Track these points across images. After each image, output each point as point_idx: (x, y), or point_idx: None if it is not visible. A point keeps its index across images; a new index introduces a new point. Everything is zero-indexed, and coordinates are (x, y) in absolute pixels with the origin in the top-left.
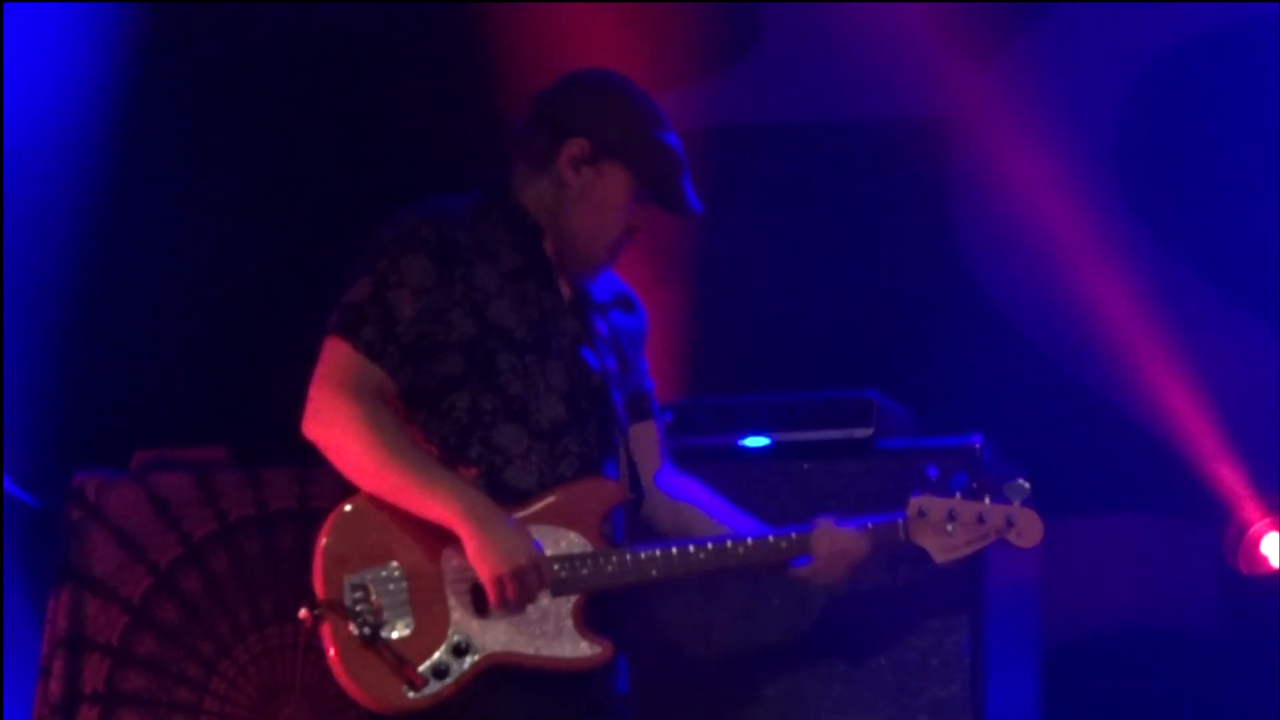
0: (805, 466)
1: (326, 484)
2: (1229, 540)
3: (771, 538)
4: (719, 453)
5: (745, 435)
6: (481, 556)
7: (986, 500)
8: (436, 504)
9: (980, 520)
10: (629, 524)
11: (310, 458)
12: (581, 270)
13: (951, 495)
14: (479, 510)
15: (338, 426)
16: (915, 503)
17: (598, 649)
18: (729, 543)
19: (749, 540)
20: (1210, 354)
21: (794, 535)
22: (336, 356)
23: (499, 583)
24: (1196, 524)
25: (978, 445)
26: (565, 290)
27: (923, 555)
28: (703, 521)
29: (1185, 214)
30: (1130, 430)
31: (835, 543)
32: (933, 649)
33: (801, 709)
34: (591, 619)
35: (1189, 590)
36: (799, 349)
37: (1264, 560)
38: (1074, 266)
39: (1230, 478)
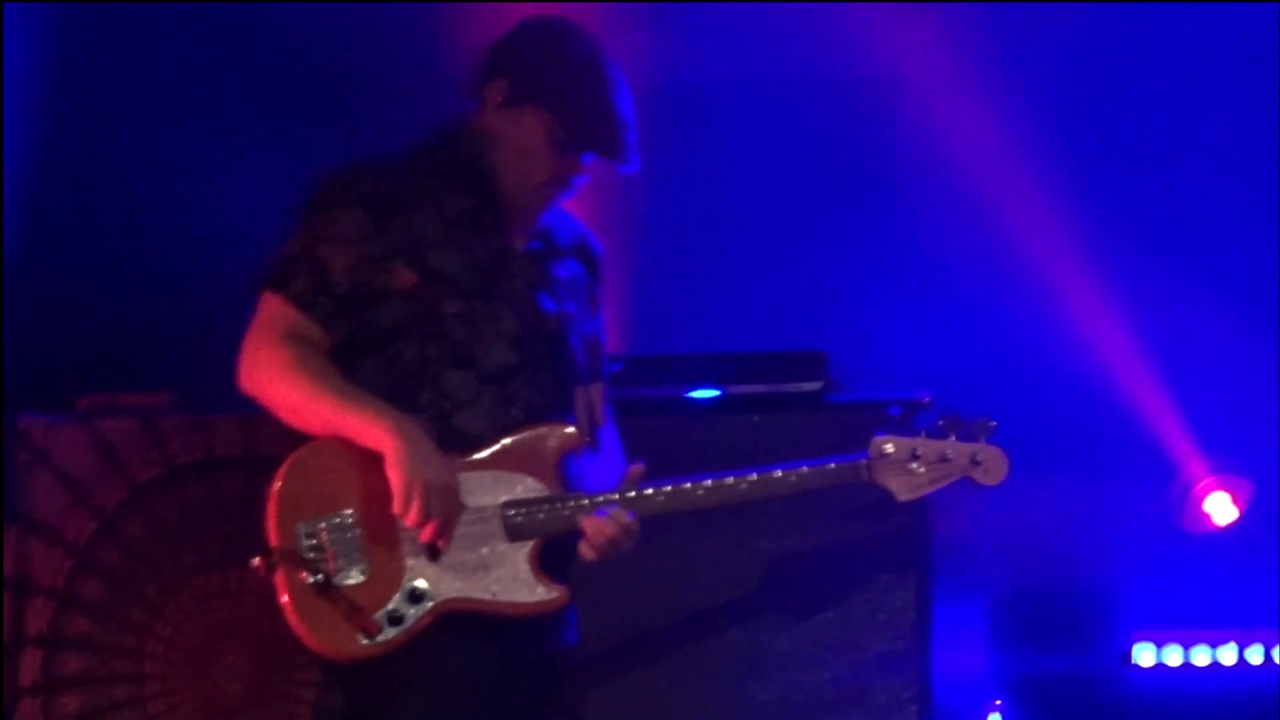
0: (755, 419)
1: (273, 430)
2: (1174, 498)
3: (689, 484)
4: (668, 405)
5: (694, 387)
6: (394, 466)
7: (952, 438)
8: (364, 422)
9: (944, 458)
10: (586, 469)
11: (257, 408)
12: (518, 214)
13: (916, 434)
14: (403, 427)
15: (267, 373)
16: (878, 441)
17: (554, 594)
18: (688, 485)
19: (707, 483)
20: (1156, 312)
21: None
22: (268, 310)
23: (406, 494)
24: (1141, 482)
25: (927, 400)
26: (519, 234)
27: (874, 502)
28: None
29: (1131, 172)
30: (1076, 390)
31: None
32: (879, 602)
33: (748, 662)
34: (547, 564)
35: (1132, 547)
36: (748, 305)
37: (1208, 518)
38: (1021, 223)
39: (1175, 437)
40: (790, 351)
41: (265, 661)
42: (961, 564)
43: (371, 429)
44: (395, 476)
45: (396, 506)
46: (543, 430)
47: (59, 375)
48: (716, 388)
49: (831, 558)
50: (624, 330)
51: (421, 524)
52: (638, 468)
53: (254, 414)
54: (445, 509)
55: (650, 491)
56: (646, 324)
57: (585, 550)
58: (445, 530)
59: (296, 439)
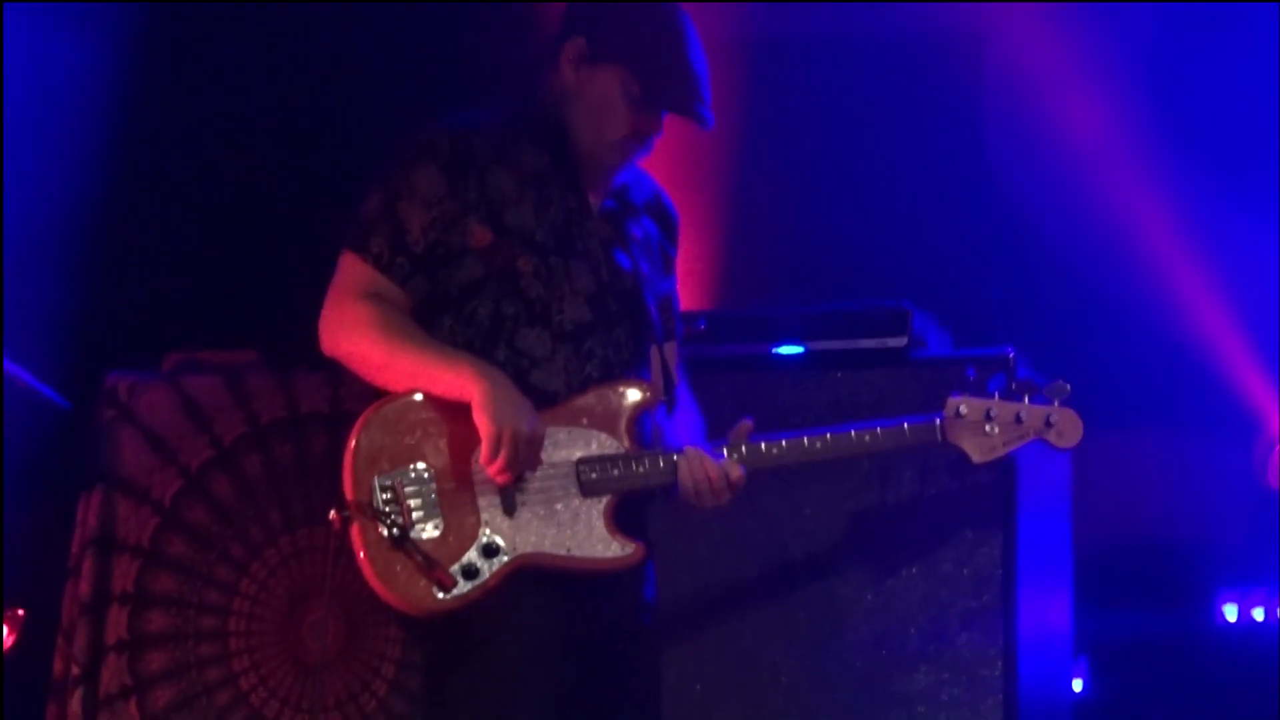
0: (839, 375)
1: (358, 388)
2: (1258, 455)
3: (764, 445)
4: (752, 362)
5: (779, 344)
6: (482, 412)
7: (1025, 400)
8: (451, 372)
9: (1018, 420)
10: (663, 428)
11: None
12: (595, 172)
13: (990, 396)
14: (492, 375)
15: (348, 331)
16: (953, 403)
17: (629, 550)
18: (763, 445)
19: (781, 444)
20: (1243, 269)
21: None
22: (348, 270)
23: (495, 440)
24: (1226, 439)
25: (1011, 356)
26: (596, 192)
27: (959, 459)
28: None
29: (1222, 126)
30: (1162, 345)
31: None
32: (965, 560)
33: (831, 619)
34: (622, 521)
35: (1218, 504)
36: (833, 261)
37: None
38: (1106, 179)
39: (1261, 393)
40: (874, 307)
41: (352, 619)
42: (1047, 522)
43: (459, 378)
44: (484, 423)
45: (484, 454)
46: (618, 388)
47: (145, 333)
48: (800, 344)
49: (917, 514)
50: (708, 288)
51: (506, 473)
52: (745, 424)
53: (339, 371)
54: (531, 459)
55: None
56: (731, 281)
57: (685, 488)
58: (527, 481)
59: (379, 394)
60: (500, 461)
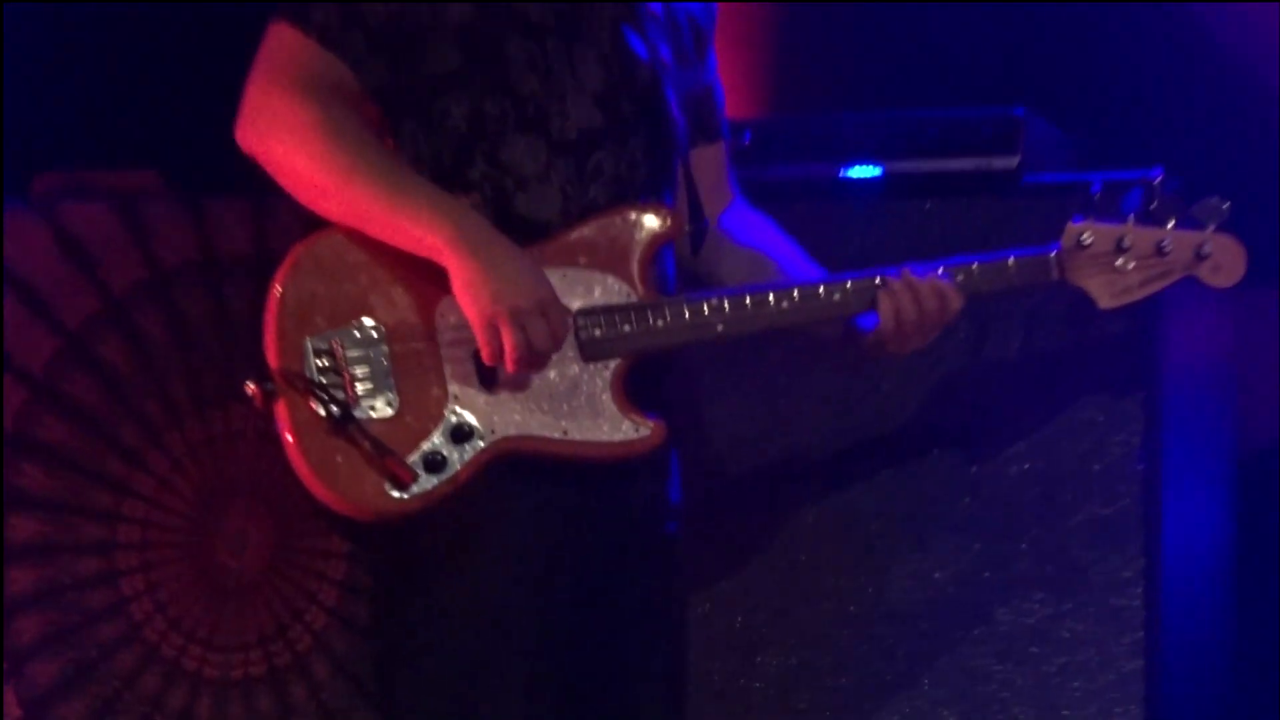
0: (927, 207)
1: (293, 220)
2: None
3: (869, 279)
4: (813, 188)
5: (849, 165)
6: (471, 291)
7: (1170, 226)
8: (416, 224)
9: (1160, 251)
10: (686, 269)
11: (272, 185)
12: None
13: (1123, 220)
14: (473, 231)
15: (281, 132)
16: (1074, 229)
17: (646, 430)
18: (821, 287)
19: (848, 283)
20: None
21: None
22: (283, 44)
23: (491, 328)
24: None
25: (1157, 181)
26: None
27: (1083, 303)
28: (775, 272)
29: None
30: None
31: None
32: (1093, 450)
33: (913, 531)
34: (636, 393)
35: None
36: (919, 58)
37: None
38: None
39: None
40: (976, 116)
41: (280, 528)
42: (1204, 400)
43: (427, 235)
44: (470, 305)
45: (484, 352)
46: (629, 215)
47: (7, 148)
48: (877, 164)
49: (1025, 387)
50: (755, 91)
51: (521, 366)
52: None
53: (270, 198)
54: (555, 334)
55: (773, 298)
56: (785, 82)
57: (885, 326)
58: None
59: (316, 225)
60: (510, 357)
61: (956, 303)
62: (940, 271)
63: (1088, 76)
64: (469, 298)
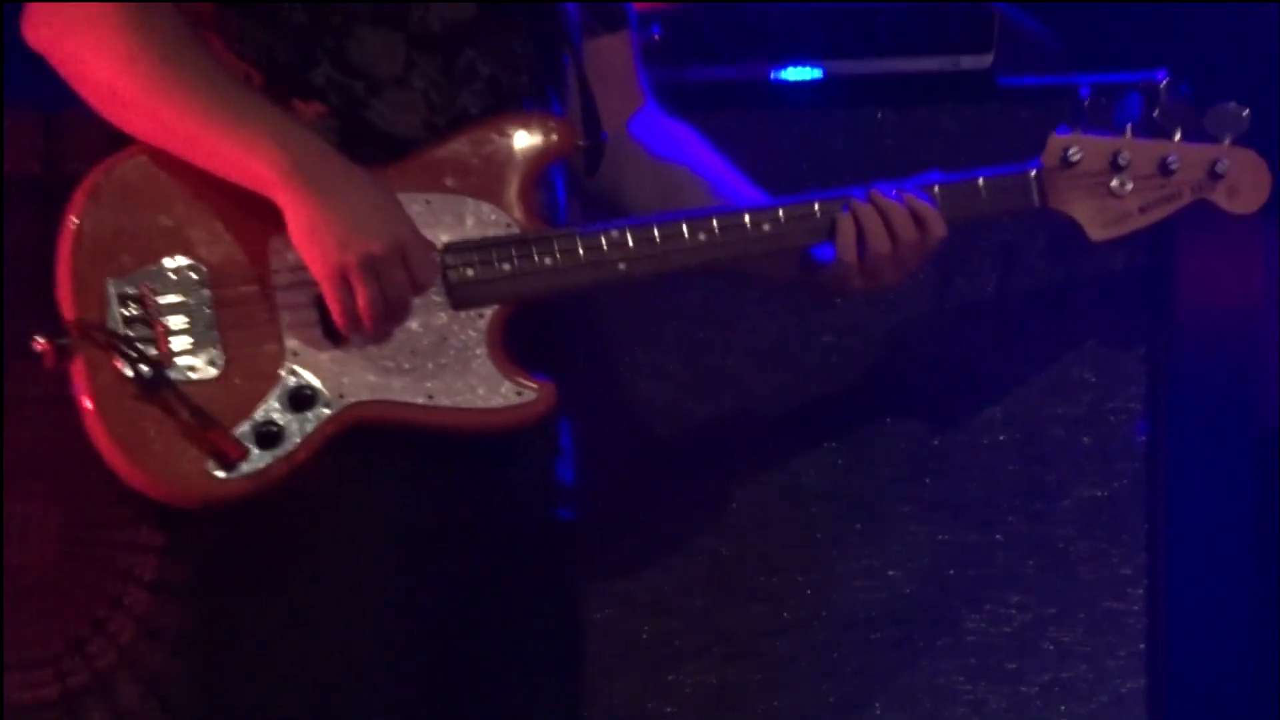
0: (879, 116)
1: (92, 136)
2: None
3: (818, 204)
4: (737, 93)
5: (782, 65)
6: (312, 237)
7: (1176, 138)
8: (239, 148)
9: (1165, 169)
10: (581, 192)
11: (67, 93)
12: None
13: (1118, 132)
14: (311, 160)
15: (76, 23)
16: (1058, 142)
17: (531, 394)
18: (747, 215)
19: (780, 210)
20: None
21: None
22: None
23: (340, 282)
24: None
25: (1161, 84)
26: None
27: (1070, 234)
28: (700, 193)
29: None
30: None
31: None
32: (1085, 421)
33: (860, 516)
34: (519, 348)
35: None
36: None
37: None
38: None
39: None
40: (938, 6)
41: (74, 516)
42: (1217, 349)
43: (255, 164)
44: (312, 255)
45: (335, 313)
46: (506, 128)
47: None
48: (816, 64)
49: (1000, 337)
50: None
51: (379, 326)
52: None
53: (63, 107)
54: (420, 279)
55: (687, 227)
56: None
57: (845, 258)
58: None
59: (119, 144)
60: (367, 316)
61: (939, 228)
62: (913, 190)
63: None
64: (310, 245)
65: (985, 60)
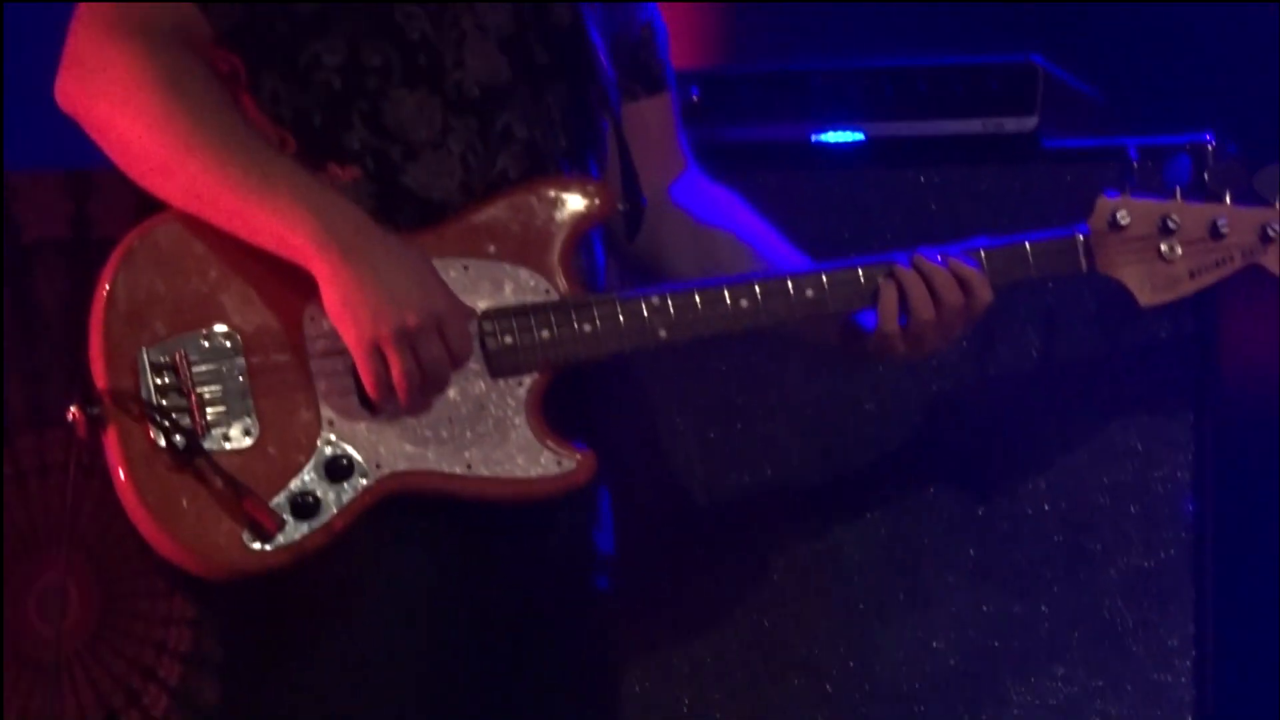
0: (921, 179)
1: (119, 198)
2: None
3: (861, 269)
4: (777, 155)
5: (823, 128)
6: (346, 309)
7: (1227, 200)
8: (273, 217)
9: (1215, 233)
10: (619, 254)
11: (98, 155)
12: None
13: (1168, 195)
14: (345, 228)
15: (107, 86)
16: (1106, 206)
17: (570, 463)
18: (790, 281)
19: (823, 275)
20: None
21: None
22: None
23: (375, 354)
24: None
25: (1209, 146)
26: None
27: (1119, 299)
28: (743, 257)
29: None
30: None
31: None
32: (1132, 490)
33: (903, 587)
34: (558, 417)
35: None
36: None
37: None
38: None
39: None
40: (981, 67)
41: (108, 586)
42: (1266, 417)
43: (287, 233)
44: (346, 326)
45: (369, 386)
46: (547, 191)
47: None
48: (857, 127)
49: (1046, 405)
50: (704, 35)
51: (414, 398)
52: None
53: (92, 167)
54: (458, 351)
55: (729, 293)
56: (742, 24)
57: (887, 325)
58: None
59: (148, 209)
60: (404, 388)
61: (985, 293)
62: (957, 255)
63: (1116, 16)
64: (343, 316)
65: (1030, 123)
